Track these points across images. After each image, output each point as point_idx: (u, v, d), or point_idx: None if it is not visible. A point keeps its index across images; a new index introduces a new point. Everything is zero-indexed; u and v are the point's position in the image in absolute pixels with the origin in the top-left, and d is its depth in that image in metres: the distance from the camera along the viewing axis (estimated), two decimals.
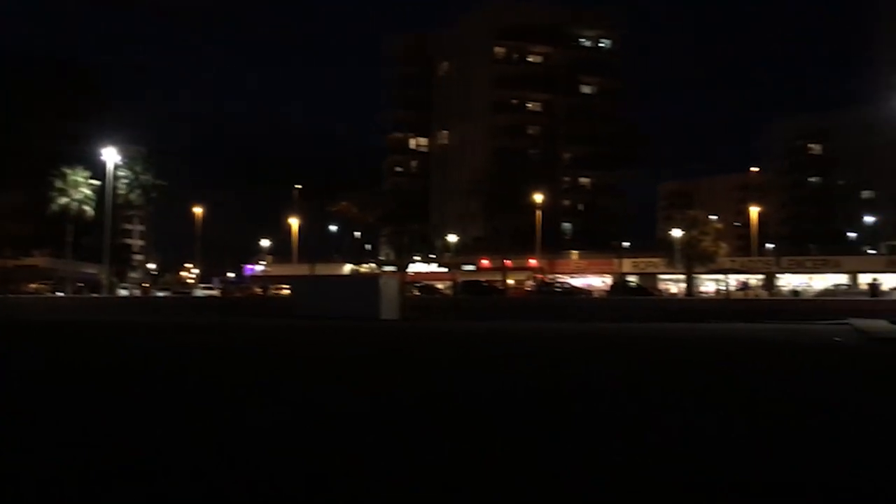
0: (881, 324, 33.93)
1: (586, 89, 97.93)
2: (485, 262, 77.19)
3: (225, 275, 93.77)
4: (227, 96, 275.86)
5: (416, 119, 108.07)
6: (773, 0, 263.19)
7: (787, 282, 71.61)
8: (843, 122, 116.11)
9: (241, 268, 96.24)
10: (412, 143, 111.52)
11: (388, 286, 39.70)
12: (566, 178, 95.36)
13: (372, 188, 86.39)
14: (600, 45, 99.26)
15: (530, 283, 71.25)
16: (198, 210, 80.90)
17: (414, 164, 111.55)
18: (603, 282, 73.62)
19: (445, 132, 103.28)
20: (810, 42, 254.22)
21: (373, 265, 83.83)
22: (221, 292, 72.66)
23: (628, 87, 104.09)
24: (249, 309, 49.31)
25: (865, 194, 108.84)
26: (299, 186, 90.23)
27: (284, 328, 29.16)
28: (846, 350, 22.89)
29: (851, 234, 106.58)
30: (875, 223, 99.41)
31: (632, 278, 71.98)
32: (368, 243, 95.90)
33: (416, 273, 77.43)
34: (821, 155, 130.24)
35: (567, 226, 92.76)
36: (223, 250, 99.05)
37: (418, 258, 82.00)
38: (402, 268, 74.91)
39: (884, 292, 57.51)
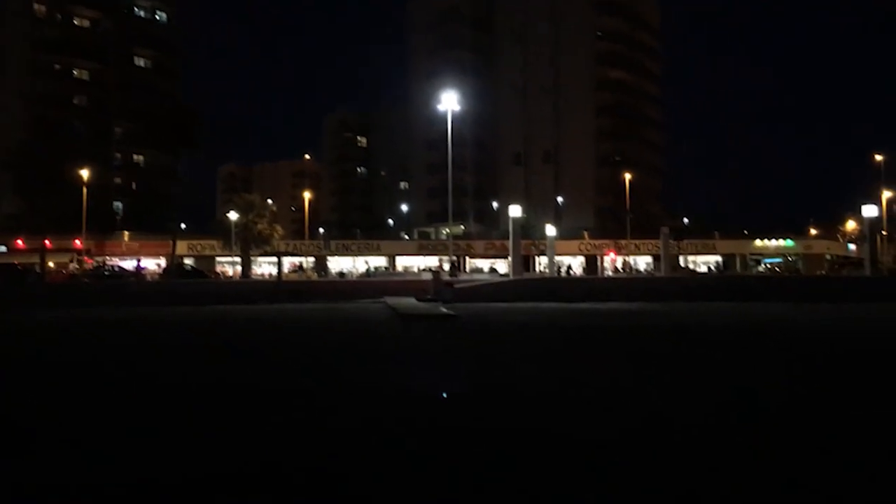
0: (411, 301, 38.74)
1: (141, 62, 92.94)
2: (20, 244, 68.93)
3: None
4: None
5: None
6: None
7: (337, 264, 77.07)
8: (386, 118, 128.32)
9: None
10: None
11: None
12: (118, 155, 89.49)
13: None
14: (156, 16, 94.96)
15: (74, 266, 65.71)
16: None
17: None
18: (157, 264, 71.10)
19: None
20: (362, 41, 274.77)
21: None
22: None
23: (188, 65, 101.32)
24: None
25: (402, 185, 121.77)
26: None
27: None
28: (379, 324, 25.70)
29: (390, 221, 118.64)
30: (409, 211, 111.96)
31: (188, 261, 70.70)
32: None
33: None
34: (366, 147, 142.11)
35: (118, 205, 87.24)
36: None
37: None
38: None
39: (470, 271, 65.72)
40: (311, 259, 76.77)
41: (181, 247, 71.81)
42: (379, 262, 77.77)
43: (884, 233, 75.95)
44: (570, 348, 17.96)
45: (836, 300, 38.49)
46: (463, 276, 57.89)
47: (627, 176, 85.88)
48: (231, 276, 68.68)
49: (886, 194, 78.07)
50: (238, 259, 68.64)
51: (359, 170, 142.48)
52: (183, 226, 79.60)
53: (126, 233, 76.31)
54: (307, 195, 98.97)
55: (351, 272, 73.18)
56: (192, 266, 67.69)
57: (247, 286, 55.60)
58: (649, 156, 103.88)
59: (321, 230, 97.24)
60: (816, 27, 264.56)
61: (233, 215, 66.71)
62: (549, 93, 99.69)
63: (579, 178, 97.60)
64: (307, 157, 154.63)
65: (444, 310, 31.35)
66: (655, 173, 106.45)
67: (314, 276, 69.35)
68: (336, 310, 34.41)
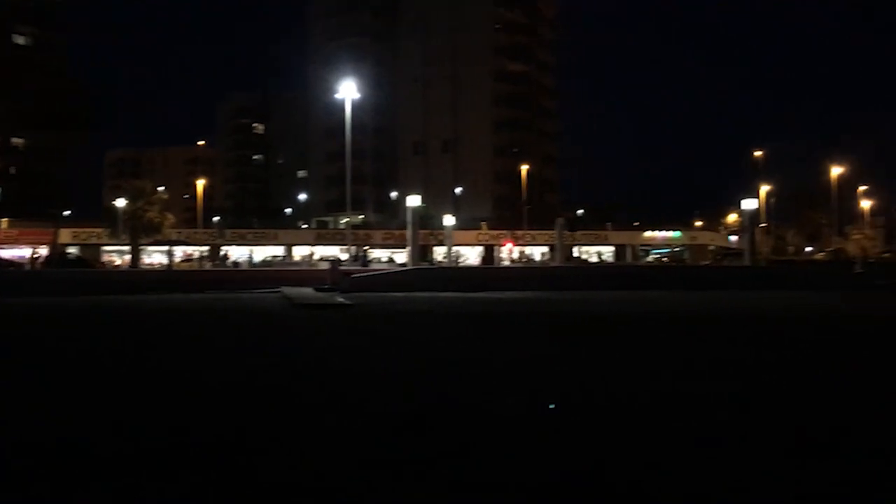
0: (308, 291, 38.25)
1: (21, 40, 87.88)
2: None
3: None
4: None
5: None
6: None
7: (231, 253, 75.23)
8: (285, 104, 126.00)
9: None
10: None
11: None
12: None
13: None
14: None
15: None
16: None
17: None
18: (33, 253, 67.45)
19: None
20: (260, 26, 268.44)
21: None
22: None
23: (76, 43, 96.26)
24: None
25: (301, 173, 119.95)
26: None
27: None
28: (276, 314, 25.27)
29: (288, 210, 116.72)
30: (307, 200, 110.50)
31: (72, 249, 67.44)
32: None
33: None
34: (263, 134, 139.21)
35: None
36: None
37: None
38: None
39: (370, 261, 64.66)
40: (205, 248, 74.66)
41: (65, 235, 68.48)
42: (276, 251, 76.39)
43: (762, 225, 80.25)
44: (463, 333, 18.15)
45: (718, 288, 40.36)
46: (374, 266, 57.92)
47: (525, 167, 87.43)
48: (119, 266, 66.02)
49: (764, 188, 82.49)
50: (127, 248, 66.00)
51: (256, 157, 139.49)
52: (66, 212, 75.78)
53: (5, 220, 72.13)
54: (201, 182, 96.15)
55: (246, 261, 71.58)
56: (76, 255, 64.63)
57: (134, 276, 53.58)
58: (546, 147, 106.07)
59: (216, 219, 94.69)
60: (703, 25, 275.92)
61: (121, 202, 64.05)
62: (449, 83, 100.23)
63: (478, 169, 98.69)
64: (201, 143, 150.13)
65: (340, 299, 31.13)
66: (552, 164, 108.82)
67: (207, 266, 67.49)
68: (229, 300, 33.61)
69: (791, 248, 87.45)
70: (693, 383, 10.56)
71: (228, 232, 77.51)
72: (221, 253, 71.88)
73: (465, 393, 9.95)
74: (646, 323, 21.79)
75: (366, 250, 68.50)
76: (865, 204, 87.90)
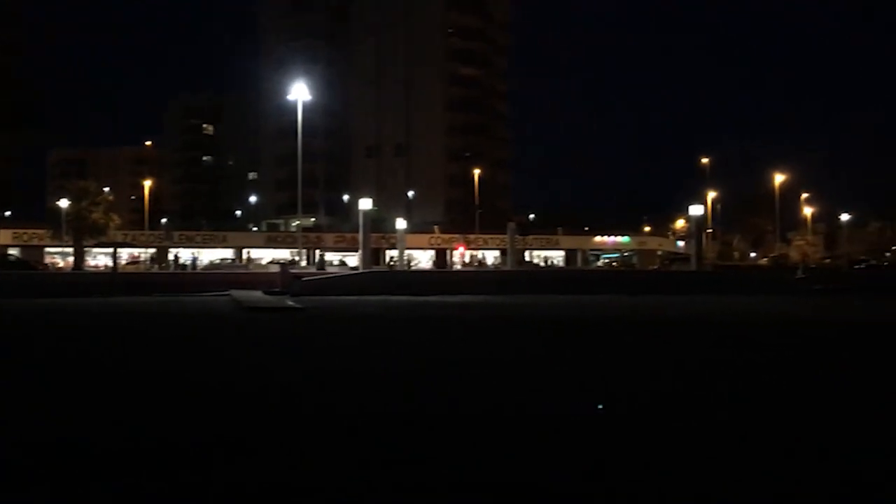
0: (257, 294, 37.79)
1: None
2: None
3: None
4: None
5: None
6: None
7: (180, 256, 73.90)
8: (236, 105, 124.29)
9: None
10: None
11: None
12: None
13: None
14: None
15: None
16: None
17: None
18: None
19: None
20: (212, 25, 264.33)
21: None
22: None
23: (26, 42, 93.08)
24: None
25: (251, 175, 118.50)
26: None
27: None
28: (224, 318, 24.87)
29: (238, 212, 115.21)
30: (258, 202, 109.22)
31: (13, 251, 65.52)
32: None
33: None
34: (213, 135, 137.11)
35: None
36: None
37: None
38: None
39: (330, 264, 63.81)
40: (152, 250, 73.25)
41: (5, 236, 66.64)
42: (225, 254, 75.33)
43: (709, 231, 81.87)
44: (410, 338, 18.07)
45: (666, 293, 41.02)
46: (331, 270, 57.55)
47: (477, 171, 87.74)
48: (62, 268, 64.35)
49: (711, 195, 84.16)
50: (70, 250, 64.36)
51: (205, 158, 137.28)
52: (7, 213, 73.72)
53: None
54: (147, 183, 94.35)
55: (195, 264, 70.39)
56: (16, 256, 62.78)
57: (78, 278, 52.23)
58: (499, 151, 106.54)
59: (164, 220, 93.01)
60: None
61: (64, 203, 62.46)
62: (403, 86, 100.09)
63: (431, 173, 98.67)
64: (148, 143, 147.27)
65: (290, 303, 30.83)
66: (504, 169, 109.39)
67: (154, 268, 66.23)
68: (175, 303, 33.00)
69: (736, 254, 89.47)
70: (678, 383, 10.68)
71: (176, 234, 76.18)
72: (171, 255, 70.57)
73: (392, 401, 9.88)
74: (599, 327, 21.99)
75: (322, 255, 68.03)
76: (808, 211, 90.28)
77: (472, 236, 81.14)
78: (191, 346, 16.40)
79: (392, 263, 68.37)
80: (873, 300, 36.58)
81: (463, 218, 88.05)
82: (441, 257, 79.40)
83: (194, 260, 69.38)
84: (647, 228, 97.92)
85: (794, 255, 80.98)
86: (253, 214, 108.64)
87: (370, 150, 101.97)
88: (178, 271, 63.30)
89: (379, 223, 69.48)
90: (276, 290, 40.92)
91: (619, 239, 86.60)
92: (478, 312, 27.93)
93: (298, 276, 44.99)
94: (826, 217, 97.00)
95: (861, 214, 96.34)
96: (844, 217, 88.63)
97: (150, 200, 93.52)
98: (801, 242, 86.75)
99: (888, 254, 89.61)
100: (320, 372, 12.15)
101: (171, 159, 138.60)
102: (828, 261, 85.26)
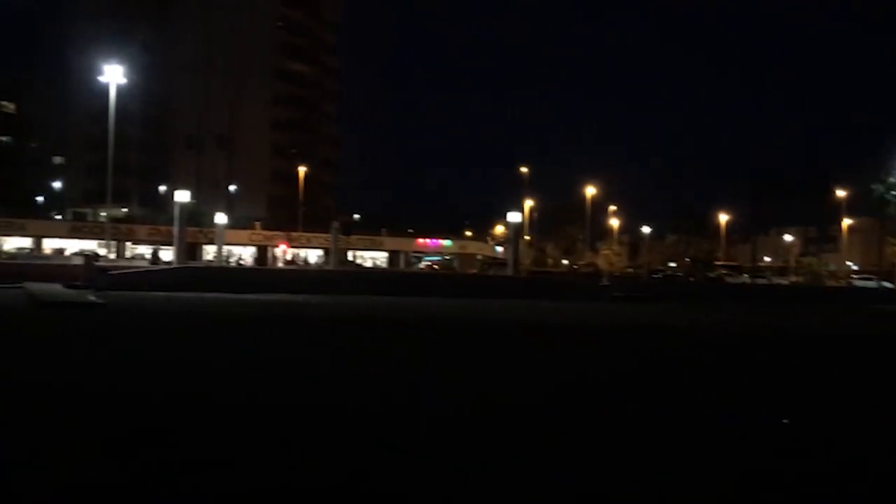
0: (56, 288, 35.24)
1: None
2: None
3: None
4: None
5: None
6: None
7: None
8: (43, 83, 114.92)
9: None
10: None
11: None
12: None
13: None
14: None
15: None
16: None
17: None
18: None
19: None
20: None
21: None
22: None
23: None
24: None
25: (57, 160, 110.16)
26: None
27: None
28: (15, 315, 23.04)
29: (40, 198, 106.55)
30: (63, 189, 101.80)
31: None
32: None
33: None
34: (13, 114, 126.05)
35: None
36: None
37: None
38: None
39: (163, 261, 59.24)
40: None
41: None
42: (23, 243, 69.69)
43: (526, 237, 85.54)
44: (211, 339, 17.66)
45: (484, 296, 42.42)
46: (136, 264, 54.56)
47: (302, 168, 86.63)
48: None
49: (529, 203, 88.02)
50: None
51: (4, 139, 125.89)
52: None
53: None
54: None
55: None
56: None
57: None
58: (325, 150, 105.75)
59: None
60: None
61: None
62: (227, 77, 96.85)
63: (254, 167, 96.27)
64: None
65: (92, 298, 29.05)
66: (330, 168, 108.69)
67: None
68: None
69: (550, 261, 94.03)
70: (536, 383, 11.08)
71: None
72: None
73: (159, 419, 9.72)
74: (417, 330, 22.45)
75: (156, 249, 64.60)
76: (614, 222, 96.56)
77: (295, 234, 79.95)
78: None
79: (228, 262, 65.99)
80: (662, 305, 39.83)
81: (285, 215, 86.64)
82: (262, 254, 77.70)
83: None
84: (468, 233, 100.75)
85: (601, 263, 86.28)
86: (58, 201, 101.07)
87: (191, 140, 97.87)
88: None
89: (198, 217, 66.96)
90: (79, 283, 38.40)
91: (442, 242, 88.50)
92: (291, 311, 27.67)
93: (105, 270, 42.43)
94: (629, 229, 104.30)
95: (660, 227, 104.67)
96: (646, 230, 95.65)
97: None
98: (608, 252, 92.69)
99: (672, 263, 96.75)
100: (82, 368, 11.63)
101: None
102: (630, 270, 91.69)
